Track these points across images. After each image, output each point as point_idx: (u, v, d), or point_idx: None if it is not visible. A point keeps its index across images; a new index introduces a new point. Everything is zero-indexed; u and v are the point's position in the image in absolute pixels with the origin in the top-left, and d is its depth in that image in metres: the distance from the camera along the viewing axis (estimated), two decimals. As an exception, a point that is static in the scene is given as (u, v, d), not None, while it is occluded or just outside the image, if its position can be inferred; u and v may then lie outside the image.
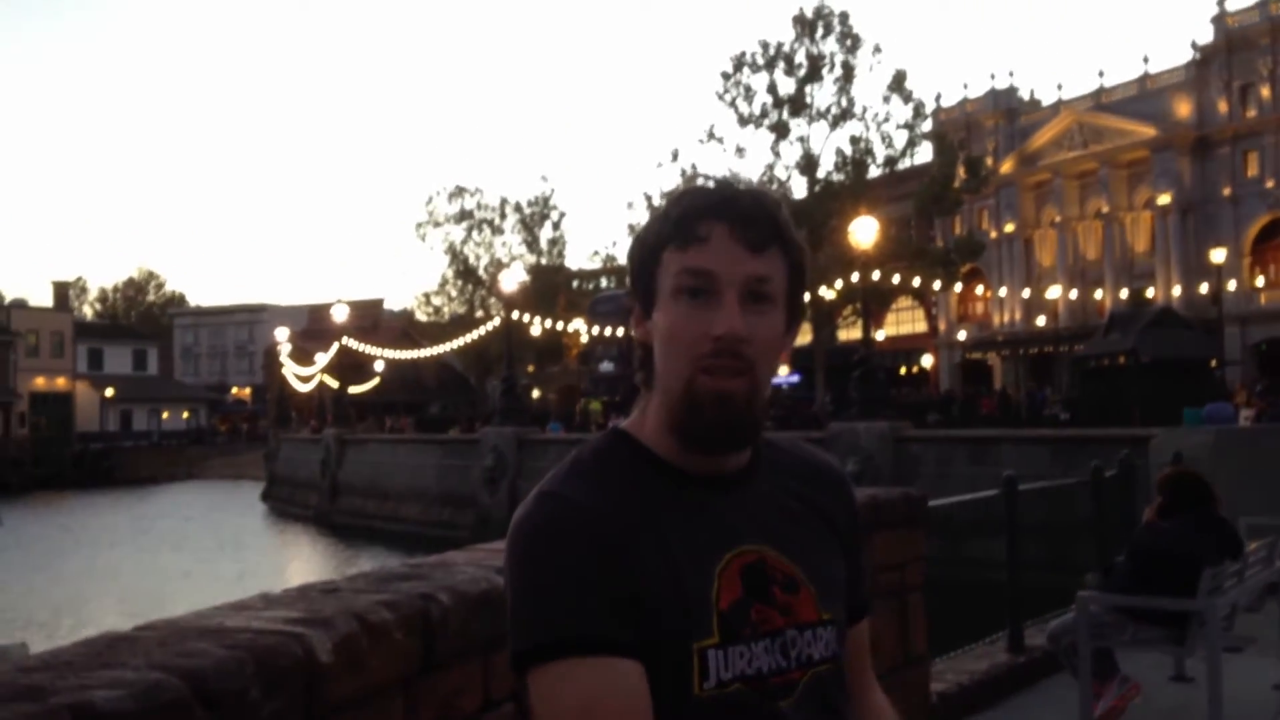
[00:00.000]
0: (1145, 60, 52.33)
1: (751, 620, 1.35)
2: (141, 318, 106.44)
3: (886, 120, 40.17)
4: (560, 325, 47.30)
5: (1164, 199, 49.69)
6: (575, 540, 1.31)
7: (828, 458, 1.61)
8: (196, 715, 1.65)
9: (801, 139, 40.22)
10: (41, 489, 58.73)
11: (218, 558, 31.13)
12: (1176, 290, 48.21)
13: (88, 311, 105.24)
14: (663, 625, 1.31)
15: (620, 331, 40.67)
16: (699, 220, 1.35)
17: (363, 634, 2.03)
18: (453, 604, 2.29)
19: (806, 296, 1.47)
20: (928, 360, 58.72)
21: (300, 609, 2.07)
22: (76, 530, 39.31)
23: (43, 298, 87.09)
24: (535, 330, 46.68)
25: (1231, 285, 45.57)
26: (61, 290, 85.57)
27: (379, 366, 58.07)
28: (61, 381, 77.35)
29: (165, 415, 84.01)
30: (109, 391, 79.83)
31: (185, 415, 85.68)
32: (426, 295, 61.68)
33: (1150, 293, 49.33)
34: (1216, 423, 19.07)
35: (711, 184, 1.42)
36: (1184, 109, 50.59)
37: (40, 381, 75.48)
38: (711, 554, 1.36)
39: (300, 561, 32.71)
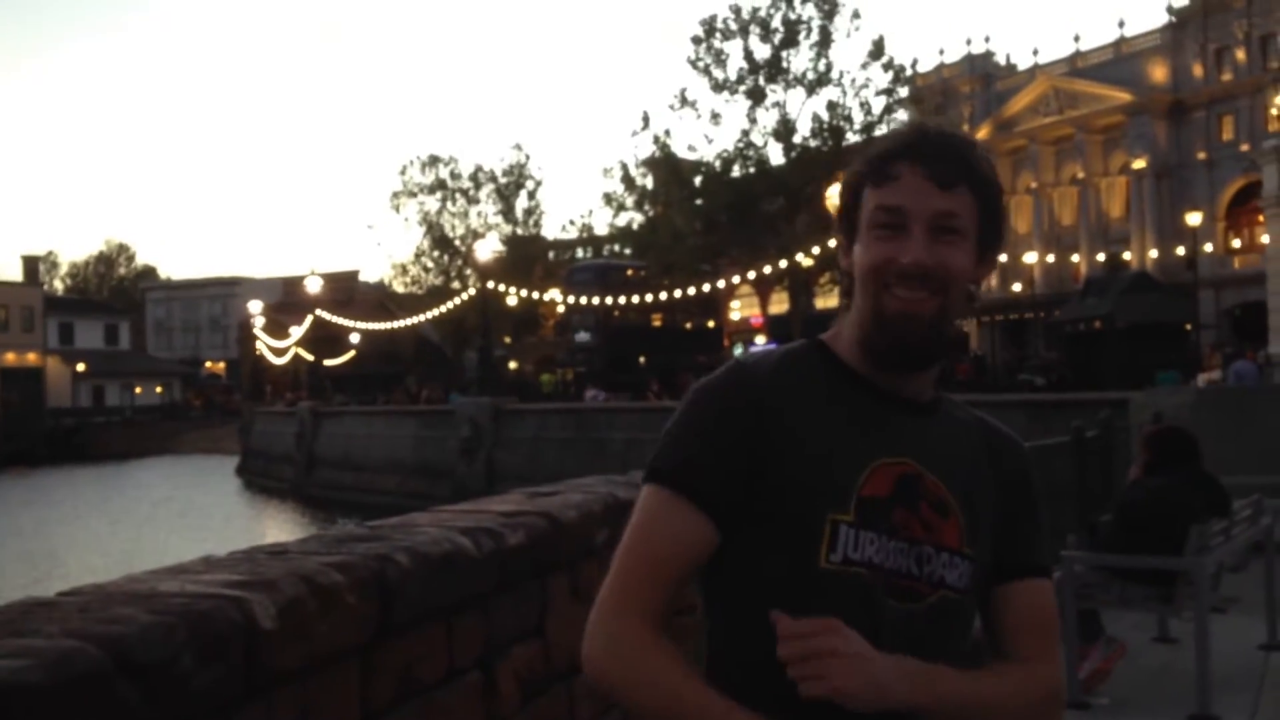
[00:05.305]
0: (1121, 25, 52.30)
1: (891, 520, 1.44)
2: (113, 292, 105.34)
3: (865, 86, 39.85)
4: (537, 295, 47.01)
5: (1139, 163, 49.77)
6: (728, 401, 1.48)
7: (1007, 428, 1.67)
8: (118, 687, 1.49)
9: (778, 105, 39.85)
10: (12, 465, 58.16)
11: (187, 529, 30.88)
12: (1152, 254, 48.36)
13: (58, 286, 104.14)
14: (798, 497, 1.42)
15: (596, 300, 40.34)
16: (892, 161, 1.48)
17: (311, 597, 1.87)
18: (412, 566, 2.14)
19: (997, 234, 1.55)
20: (904, 327, 58.79)
21: (243, 571, 1.92)
22: (44, 504, 38.92)
23: (12, 272, 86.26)
24: (512, 300, 46.37)
25: (1207, 249, 45.73)
26: (31, 264, 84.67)
27: (354, 339, 57.72)
28: (32, 357, 76.59)
29: (138, 390, 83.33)
30: (80, 366, 79.14)
31: (159, 390, 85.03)
32: (402, 266, 61.24)
33: (1126, 257, 49.45)
34: (1245, 380, 20.02)
35: (908, 127, 1.57)
36: (1159, 73, 50.60)
37: (10, 357, 74.73)
38: (871, 454, 1.47)
39: (272, 531, 32.52)
